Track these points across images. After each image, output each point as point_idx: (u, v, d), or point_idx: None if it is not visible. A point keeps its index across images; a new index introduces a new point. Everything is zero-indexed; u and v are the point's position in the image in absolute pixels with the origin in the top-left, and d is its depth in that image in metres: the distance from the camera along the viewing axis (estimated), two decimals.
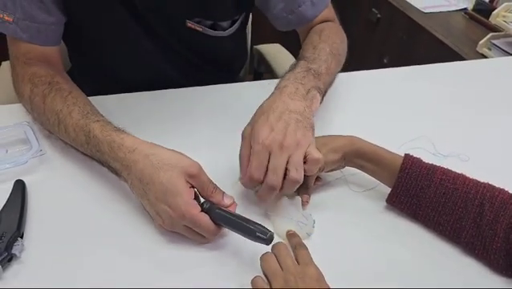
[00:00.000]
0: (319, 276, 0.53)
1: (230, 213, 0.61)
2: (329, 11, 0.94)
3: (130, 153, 0.63)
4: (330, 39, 0.87)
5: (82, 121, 0.69)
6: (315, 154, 0.64)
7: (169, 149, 0.64)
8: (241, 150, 0.67)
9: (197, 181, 0.62)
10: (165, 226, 0.62)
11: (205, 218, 0.60)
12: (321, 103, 0.77)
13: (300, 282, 0.51)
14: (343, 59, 0.92)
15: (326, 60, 0.82)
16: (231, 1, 0.87)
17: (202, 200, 0.63)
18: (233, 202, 0.64)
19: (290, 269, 0.54)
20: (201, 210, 0.60)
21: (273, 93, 0.72)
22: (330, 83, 0.86)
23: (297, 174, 0.62)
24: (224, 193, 0.64)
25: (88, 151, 0.70)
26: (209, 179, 0.63)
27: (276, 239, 0.64)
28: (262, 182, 0.63)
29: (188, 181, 0.61)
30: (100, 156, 0.68)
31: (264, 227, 0.58)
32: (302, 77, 0.74)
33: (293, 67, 0.78)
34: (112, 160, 0.65)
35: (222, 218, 0.60)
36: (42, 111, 0.75)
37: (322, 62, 0.81)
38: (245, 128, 0.68)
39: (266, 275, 0.55)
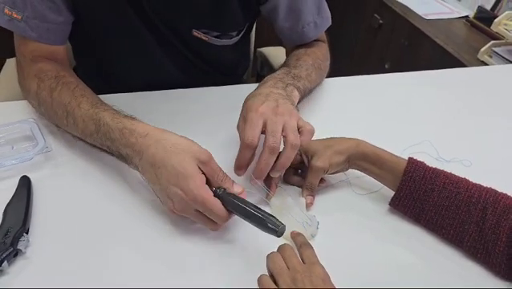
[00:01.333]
0: (326, 276, 0.53)
1: (243, 201, 0.61)
2: (322, 34, 0.99)
3: (142, 138, 0.64)
4: (314, 54, 0.93)
5: (91, 110, 0.70)
6: (308, 125, 0.69)
7: (180, 136, 0.65)
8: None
9: (208, 168, 0.62)
10: (176, 210, 0.62)
11: (216, 203, 0.60)
12: (299, 103, 0.80)
13: (307, 281, 0.52)
14: (324, 74, 0.97)
15: (307, 69, 0.87)
16: (240, 13, 0.89)
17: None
18: (243, 190, 0.64)
19: (297, 268, 0.54)
20: (214, 196, 0.61)
21: (254, 90, 0.76)
22: (309, 90, 0.90)
23: (295, 138, 0.65)
24: (234, 181, 0.64)
25: (98, 140, 0.70)
26: (218, 167, 0.64)
27: (280, 240, 0.64)
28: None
29: (199, 167, 0.61)
30: (110, 144, 0.68)
31: (276, 219, 0.58)
32: (281, 77, 0.79)
33: (274, 72, 0.83)
34: (123, 146, 0.66)
35: (235, 206, 0.61)
36: (50, 105, 0.75)
37: (303, 69, 0.86)
38: (238, 122, 0.70)
39: (272, 274, 0.55)
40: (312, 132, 0.69)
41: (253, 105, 0.68)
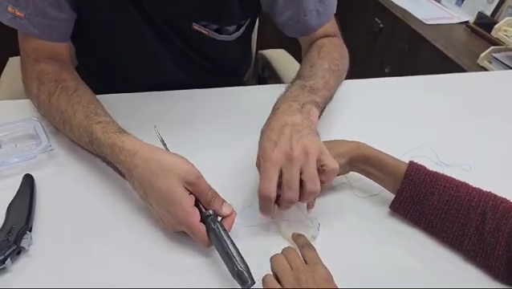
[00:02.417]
0: (329, 276, 0.54)
1: (226, 239, 0.59)
2: (332, 25, 0.96)
3: (130, 157, 0.64)
4: (329, 55, 0.88)
5: (85, 122, 0.70)
6: (332, 164, 0.62)
7: (169, 153, 0.64)
8: None
9: (196, 189, 0.62)
10: (166, 229, 0.64)
11: (201, 230, 0.60)
12: (320, 116, 0.75)
13: (310, 281, 0.52)
14: (343, 74, 0.92)
15: (323, 76, 0.81)
16: (239, 6, 0.89)
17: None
18: (233, 212, 0.64)
19: (300, 268, 0.55)
20: (201, 219, 0.61)
21: (268, 117, 0.70)
22: (330, 98, 0.84)
23: (314, 186, 0.61)
24: (224, 201, 0.63)
25: (93, 151, 0.71)
26: (207, 186, 0.63)
27: (282, 243, 0.65)
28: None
29: (187, 188, 0.61)
30: (105, 157, 0.69)
31: (248, 271, 0.56)
32: (296, 95, 0.73)
33: (288, 87, 0.78)
34: (115, 162, 0.67)
35: (214, 240, 0.60)
36: (48, 110, 0.76)
37: (319, 78, 0.80)
38: (257, 161, 0.66)
39: (276, 275, 0.56)
40: (335, 172, 0.63)
41: (266, 152, 0.62)
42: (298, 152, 0.61)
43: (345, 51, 0.94)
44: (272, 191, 0.60)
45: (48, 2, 0.78)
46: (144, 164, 0.62)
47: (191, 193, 0.61)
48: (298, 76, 0.82)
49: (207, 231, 0.60)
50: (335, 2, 0.94)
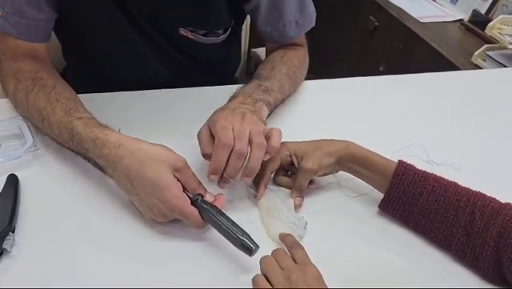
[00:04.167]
0: (319, 276, 0.54)
1: (219, 214, 0.61)
2: (302, 36, 0.97)
3: (115, 149, 0.63)
4: (290, 62, 0.91)
5: (65, 118, 0.69)
6: (275, 129, 0.69)
7: (154, 144, 0.65)
8: (201, 150, 0.68)
9: (183, 175, 0.63)
10: (157, 219, 0.63)
11: (193, 212, 0.61)
12: (268, 116, 0.79)
13: (301, 281, 0.52)
14: (299, 82, 0.96)
15: (280, 80, 0.85)
16: (226, 10, 0.88)
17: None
18: (215, 198, 0.65)
19: (291, 268, 0.54)
20: (191, 203, 0.62)
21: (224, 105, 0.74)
22: (282, 100, 0.87)
23: (261, 139, 0.65)
24: (206, 190, 0.66)
25: (73, 147, 0.70)
26: (193, 173, 0.65)
27: (269, 241, 0.64)
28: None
29: (174, 175, 0.62)
30: (85, 153, 0.67)
31: (250, 238, 0.59)
32: (251, 92, 0.78)
33: (246, 85, 0.82)
34: (97, 157, 0.65)
35: (210, 219, 0.61)
36: (26, 108, 0.75)
37: (276, 80, 0.84)
38: (200, 130, 0.70)
39: (266, 276, 0.55)
40: (280, 133, 0.68)
41: (220, 116, 0.67)
42: (249, 120, 0.68)
43: (306, 61, 0.97)
44: (231, 138, 0.64)
45: (26, 2, 0.76)
46: (131, 155, 0.62)
47: (178, 180, 0.62)
48: (257, 75, 0.86)
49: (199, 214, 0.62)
50: (314, 14, 0.95)
